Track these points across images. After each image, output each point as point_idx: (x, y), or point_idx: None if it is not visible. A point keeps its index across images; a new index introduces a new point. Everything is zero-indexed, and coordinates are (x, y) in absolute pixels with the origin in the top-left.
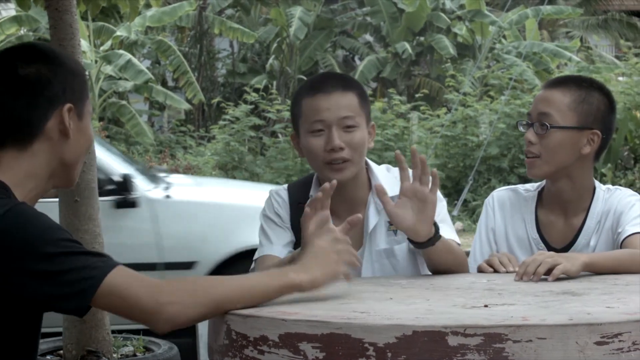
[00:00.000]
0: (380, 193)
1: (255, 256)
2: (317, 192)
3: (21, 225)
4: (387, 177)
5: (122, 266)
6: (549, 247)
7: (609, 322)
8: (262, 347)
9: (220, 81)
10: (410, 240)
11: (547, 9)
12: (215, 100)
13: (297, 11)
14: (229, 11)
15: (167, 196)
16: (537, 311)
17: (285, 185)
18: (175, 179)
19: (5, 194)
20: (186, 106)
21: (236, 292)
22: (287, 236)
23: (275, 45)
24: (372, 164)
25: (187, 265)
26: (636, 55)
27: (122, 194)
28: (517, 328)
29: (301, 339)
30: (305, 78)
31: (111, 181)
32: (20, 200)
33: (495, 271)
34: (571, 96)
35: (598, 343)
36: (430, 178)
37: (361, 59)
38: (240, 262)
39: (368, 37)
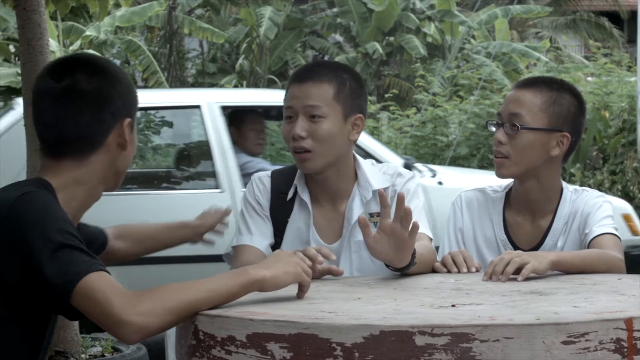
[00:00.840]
0: (363, 225)
1: (234, 243)
2: (302, 184)
3: (33, 209)
4: (374, 172)
5: (105, 273)
6: (516, 249)
7: (575, 321)
8: (229, 347)
9: (190, 81)
10: (386, 264)
11: (516, 8)
12: None
13: (267, 11)
14: (199, 11)
15: (440, 183)
16: (504, 311)
17: (269, 172)
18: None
19: (40, 185)
20: None
21: (202, 295)
22: (267, 227)
23: (245, 45)
24: (360, 158)
25: None
26: (605, 55)
27: None
28: (484, 328)
29: (269, 339)
30: (275, 78)
31: None
32: (64, 205)
33: (449, 271)
34: (542, 97)
35: (565, 342)
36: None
37: (331, 59)
38: None
39: (338, 37)
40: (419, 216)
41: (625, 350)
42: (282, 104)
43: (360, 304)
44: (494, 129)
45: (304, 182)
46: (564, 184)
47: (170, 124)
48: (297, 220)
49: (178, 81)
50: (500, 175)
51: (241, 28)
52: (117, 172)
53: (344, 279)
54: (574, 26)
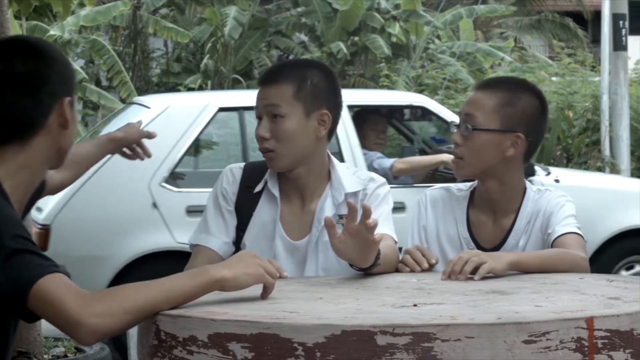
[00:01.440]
0: (329, 226)
1: (192, 240)
2: (273, 179)
3: None
4: (348, 175)
5: (61, 274)
6: (479, 247)
7: (536, 320)
8: (191, 348)
9: (154, 81)
10: (350, 264)
11: (480, 8)
12: None
13: (232, 11)
14: (164, 10)
15: (556, 181)
16: (465, 310)
17: (243, 164)
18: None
19: None
20: (120, 106)
21: (159, 296)
22: (228, 223)
23: (209, 44)
24: (335, 160)
25: None
26: (569, 55)
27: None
28: (446, 327)
29: (230, 339)
30: (240, 78)
31: None
32: (11, 193)
33: (412, 270)
34: (497, 99)
35: (526, 342)
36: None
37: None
38: (622, 240)
39: (303, 37)
40: (386, 220)
41: (586, 349)
42: (404, 104)
43: (322, 304)
44: (453, 130)
45: (276, 178)
46: (528, 183)
47: None
48: (263, 214)
49: (143, 81)
50: (457, 175)
51: (206, 28)
52: (61, 150)
53: (307, 278)
54: (538, 26)
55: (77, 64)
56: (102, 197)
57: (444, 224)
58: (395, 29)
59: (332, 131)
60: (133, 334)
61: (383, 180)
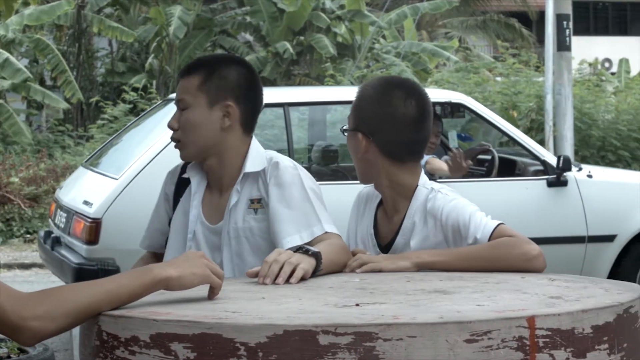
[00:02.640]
0: (250, 275)
1: (141, 241)
2: (196, 169)
3: None
4: (255, 157)
5: None
6: (379, 244)
7: (478, 320)
8: (133, 348)
9: (99, 80)
10: None
11: (424, 6)
12: (93, 100)
13: (177, 10)
14: (108, 10)
15: (589, 176)
16: (407, 310)
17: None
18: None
19: None
20: (64, 105)
21: (101, 297)
22: (163, 219)
23: (154, 44)
24: (254, 146)
25: (609, 239)
26: (513, 55)
27: (556, 173)
28: (388, 327)
29: (172, 339)
30: None
31: (543, 163)
32: None
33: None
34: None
35: (467, 341)
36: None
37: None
38: None
39: (248, 37)
40: (304, 206)
41: (527, 348)
42: (442, 101)
43: (264, 304)
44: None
45: (199, 167)
46: (422, 183)
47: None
48: (185, 202)
49: (87, 80)
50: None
51: (151, 27)
52: None
53: (250, 278)
54: (483, 26)
55: (21, 64)
56: (153, 190)
57: (362, 221)
58: (341, 29)
59: (247, 124)
60: (77, 334)
61: (288, 164)
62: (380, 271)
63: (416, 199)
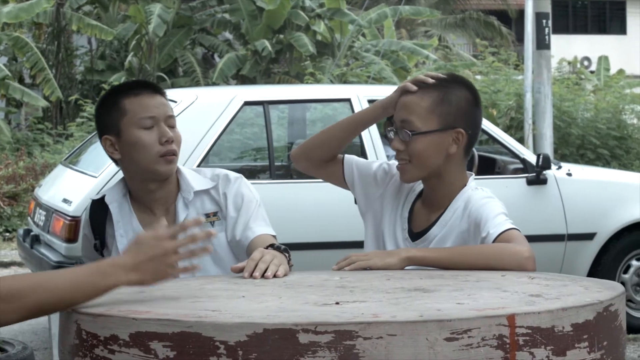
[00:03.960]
0: (235, 270)
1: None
2: (120, 195)
3: None
4: (194, 176)
5: None
6: (409, 230)
7: (458, 318)
8: (112, 347)
9: (78, 78)
10: None
11: (405, 9)
12: (73, 98)
13: (156, 8)
14: (87, 8)
15: (569, 174)
16: (387, 308)
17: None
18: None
19: None
20: (44, 103)
21: (59, 293)
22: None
23: (134, 42)
24: (181, 166)
25: (589, 237)
26: (492, 54)
27: (535, 172)
28: (368, 325)
29: (152, 338)
30: (164, 76)
31: (523, 161)
32: None
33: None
34: (429, 99)
35: (448, 339)
36: None
37: (220, 57)
38: (633, 232)
39: (228, 35)
40: (259, 218)
41: (507, 346)
42: None
43: (244, 302)
44: (391, 136)
45: (126, 193)
46: (471, 181)
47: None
48: (126, 229)
49: (66, 78)
50: (405, 180)
51: (130, 25)
52: None
53: (229, 277)
54: (462, 25)
55: (0, 62)
56: None
57: (398, 206)
58: (321, 27)
59: None
60: (56, 333)
61: (237, 175)
62: (369, 268)
63: (461, 194)
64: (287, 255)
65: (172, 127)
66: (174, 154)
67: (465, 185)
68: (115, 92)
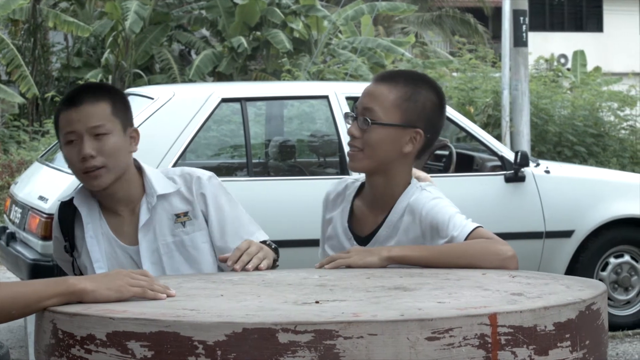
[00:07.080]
0: (222, 260)
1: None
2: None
3: None
4: (158, 178)
5: None
6: (356, 237)
7: (439, 317)
8: (89, 346)
9: (54, 75)
10: None
11: (382, 5)
12: (49, 95)
13: (133, 5)
14: (64, 4)
15: (547, 171)
16: (368, 307)
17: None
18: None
19: None
20: (20, 100)
21: (7, 301)
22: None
23: (110, 39)
24: (147, 168)
25: (567, 234)
26: (469, 51)
27: (513, 169)
28: (348, 324)
29: (129, 338)
30: (141, 72)
31: (501, 158)
32: None
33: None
34: (397, 93)
35: (429, 338)
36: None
37: (197, 53)
38: (611, 230)
39: (204, 32)
40: (238, 213)
41: (489, 345)
42: None
43: (223, 301)
44: (350, 121)
45: (87, 196)
46: (414, 181)
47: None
48: (95, 230)
49: (43, 75)
50: (352, 168)
51: (106, 22)
52: None
53: (208, 275)
54: (439, 22)
55: None
56: None
57: (335, 216)
58: (298, 24)
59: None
60: (32, 332)
61: (209, 174)
62: (349, 267)
63: (405, 195)
64: (275, 254)
65: (101, 135)
66: (97, 168)
67: (409, 184)
68: (59, 105)
